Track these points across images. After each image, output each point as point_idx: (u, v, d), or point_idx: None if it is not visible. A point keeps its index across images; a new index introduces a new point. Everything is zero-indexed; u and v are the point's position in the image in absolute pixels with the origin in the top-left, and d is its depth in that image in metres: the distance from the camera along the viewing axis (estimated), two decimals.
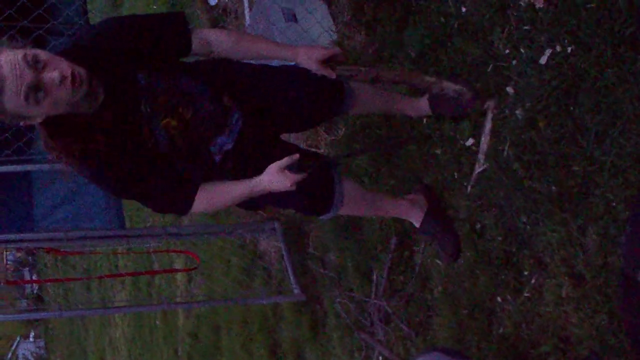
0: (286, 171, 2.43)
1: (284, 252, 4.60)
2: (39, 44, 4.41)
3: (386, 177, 3.48)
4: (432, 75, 2.87)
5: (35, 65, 2.15)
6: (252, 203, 2.71)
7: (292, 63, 2.71)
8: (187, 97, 2.51)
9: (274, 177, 2.44)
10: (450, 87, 2.73)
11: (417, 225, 3.09)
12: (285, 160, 2.42)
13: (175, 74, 2.51)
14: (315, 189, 2.73)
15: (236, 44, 2.58)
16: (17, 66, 2.12)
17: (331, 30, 4.01)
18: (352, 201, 2.84)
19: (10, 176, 5.15)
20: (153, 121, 2.46)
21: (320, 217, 2.90)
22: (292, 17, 4.20)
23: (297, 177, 2.43)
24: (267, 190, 2.49)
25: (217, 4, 5.56)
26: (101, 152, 2.38)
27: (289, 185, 2.43)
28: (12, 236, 4.53)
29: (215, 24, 5.54)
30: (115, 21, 2.54)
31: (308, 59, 2.54)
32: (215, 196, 2.58)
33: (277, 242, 4.76)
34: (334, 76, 2.57)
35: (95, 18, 8.14)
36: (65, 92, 2.19)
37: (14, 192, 5.57)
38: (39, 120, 2.28)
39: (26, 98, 2.14)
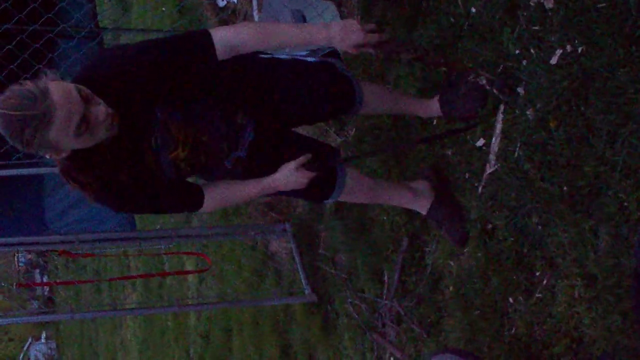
0: (302, 169, 2.60)
1: (294, 253, 4.62)
2: (49, 47, 4.44)
3: (396, 178, 3.48)
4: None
5: (85, 99, 2.18)
6: None
7: (304, 53, 2.80)
8: (202, 123, 2.55)
9: (290, 177, 2.59)
10: (484, 74, 2.71)
11: (423, 212, 3.10)
12: (300, 160, 2.59)
13: (189, 102, 2.50)
14: (318, 175, 2.74)
15: (263, 40, 2.45)
16: (74, 98, 2.14)
17: None
18: (354, 188, 2.88)
19: (21, 180, 5.18)
20: (161, 154, 2.49)
21: (323, 202, 2.94)
22: (302, 18, 4.22)
23: (311, 174, 2.59)
24: (280, 189, 2.62)
25: (225, 6, 5.58)
26: (117, 182, 2.43)
27: (305, 182, 2.58)
28: (25, 239, 4.60)
29: (224, 25, 5.54)
30: (137, 50, 2.44)
31: (347, 46, 2.41)
32: (224, 196, 2.68)
33: (288, 243, 4.78)
34: (371, 50, 2.46)
35: (104, 21, 8.19)
36: (105, 128, 2.24)
37: (25, 196, 5.61)
38: (64, 155, 2.29)
39: (76, 131, 2.16)
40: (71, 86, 2.17)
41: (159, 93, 2.42)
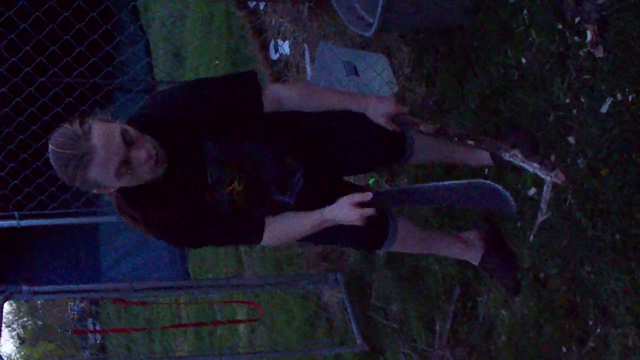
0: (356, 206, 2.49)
1: (346, 303, 4.61)
2: (107, 99, 4.57)
3: (449, 226, 3.50)
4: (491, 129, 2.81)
5: (128, 141, 2.23)
6: (308, 238, 2.78)
7: None
8: (252, 163, 2.58)
9: (345, 210, 2.49)
10: (518, 155, 2.41)
11: (475, 263, 3.12)
12: (356, 197, 2.48)
13: (241, 139, 2.56)
14: (370, 224, 2.69)
15: (307, 99, 2.58)
16: (114, 140, 2.20)
17: (392, 83, 4.06)
18: (406, 238, 2.89)
19: (78, 228, 5.30)
20: (217, 188, 2.54)
21: (375, 252, 2.93)
22: (353, 71, 4.28)
23: (367, 211, 2.48)
24: (336, 222, 2.55)
25: (278, 58, 5.67)
26: (173, 217, 2.48)
27: (358, 218, 2.48)
28: (80, 287, 4.66)
29: (277, 78, 5.65)
30: (187, 89, 2.56)
31: (377, 115, 2.56)
32: (284, 228, 2.65)
33: (339, 293, 4.78)
34: (397, 130, 2.59)
35: (159, 74, 8.38)
36: (147, 170, 2.29)
37: (82, 244, 5.72)
38: (111, 190, 2.37)
39: (116, 173, 2.22)
40: (115, 128, 2.22)
41: (209, 130, 2.48)
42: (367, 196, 2.47)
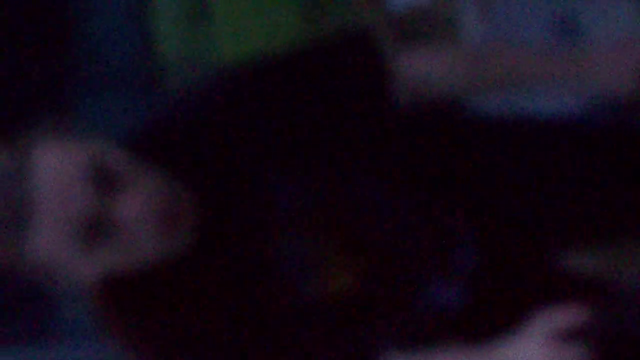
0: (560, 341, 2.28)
1: None
2: (71, 100, 4.12)
3: None
4: None
5: (106, 182, 2.07)
6: None
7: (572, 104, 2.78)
8: (374, 224, 2.35)
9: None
10: None
11: None
12: (555, 323, 2.19)
13: (349, 174, 2.39)
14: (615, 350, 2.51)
15: (476, 69, 2.38)
16: (74, 179, 2.04)
17: None
18: None
19: None
20: (300, 279, 2.35)
21: None
22: (568, 25, 3.98)
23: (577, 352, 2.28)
24: None
25: (408, 9, 5.11)
26: (202, 331, 2.28)
27: None
28: None
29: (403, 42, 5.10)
30: (237, 77, 2.37)
31: (620, 67, 2.38)
32: None
33: None
34: None
35: (169, 51, 7.98)
36: (149, 236, 2.11)
37: None
38: (88, 280, 2.24)
39: (79, 239, 2.05)
40: (79, 155, 2.04)
41: (285, 157, 2.32)
42: (578, 317, 2.20)
